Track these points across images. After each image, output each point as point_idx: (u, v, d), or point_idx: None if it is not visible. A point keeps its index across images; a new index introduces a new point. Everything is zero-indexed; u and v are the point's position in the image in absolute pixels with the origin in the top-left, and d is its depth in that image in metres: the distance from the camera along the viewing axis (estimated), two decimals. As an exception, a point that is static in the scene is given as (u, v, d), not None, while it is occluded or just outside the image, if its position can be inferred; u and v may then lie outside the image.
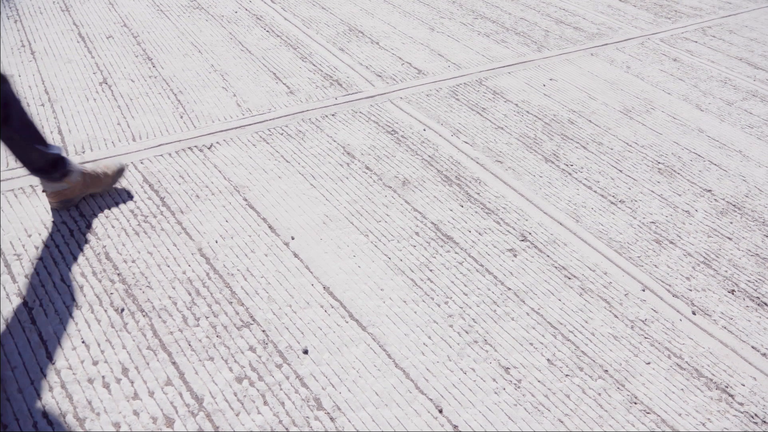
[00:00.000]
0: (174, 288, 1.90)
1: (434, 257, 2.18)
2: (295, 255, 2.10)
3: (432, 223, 2.35)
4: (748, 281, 2.27)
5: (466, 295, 2.03)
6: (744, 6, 5.12)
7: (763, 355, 1.97)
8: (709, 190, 2.77)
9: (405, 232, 2.28)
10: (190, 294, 1.89)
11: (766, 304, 2.18)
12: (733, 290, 2.22)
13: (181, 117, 2.80)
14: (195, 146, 2.61)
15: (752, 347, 1.99)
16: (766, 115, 3.46)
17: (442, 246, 2.24)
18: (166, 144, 2.60)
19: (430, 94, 3.30)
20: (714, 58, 4.11)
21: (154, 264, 1.98)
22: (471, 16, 4.39)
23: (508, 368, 1.79)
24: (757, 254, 2.41)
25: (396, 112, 3.09)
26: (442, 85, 3.41)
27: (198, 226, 2.17)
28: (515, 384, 1.75)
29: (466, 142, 2.91)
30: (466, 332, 1.89)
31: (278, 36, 3.70)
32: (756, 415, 1.76)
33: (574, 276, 2.18)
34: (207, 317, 1.82)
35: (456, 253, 2.21)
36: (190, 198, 2.30)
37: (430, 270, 2.12)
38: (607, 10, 4.76)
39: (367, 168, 2.63)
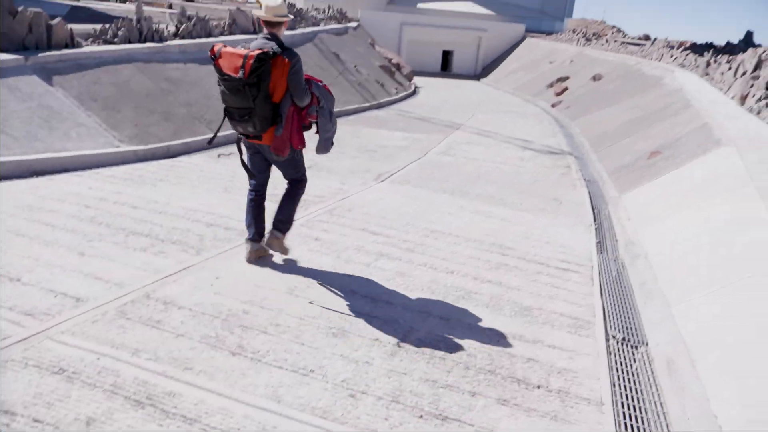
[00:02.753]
0: None
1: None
2: None
3: (132, 456, 2.13)
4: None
5: None
6: (353, 191, 6.45)
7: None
8: (377, 339, 3.26)
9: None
10: None
11: None
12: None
13: None
14: None
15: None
16: (396, 269, 4.32)
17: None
18: None
19: (96, 320, 3.10)
20: (344, 231, 5.00)
21: None
22: (122, 234, 4.38)
23: None
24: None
25: (60, 348, 2.79)
26: (108, 307, 3.25)
27: None
28: None
29: (149, 359, 2.79)
30: None
31: None
32: None
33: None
34: None
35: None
36: None
37: None
38: (250, 209, 5.37)
39: (36, 420, 2.26)
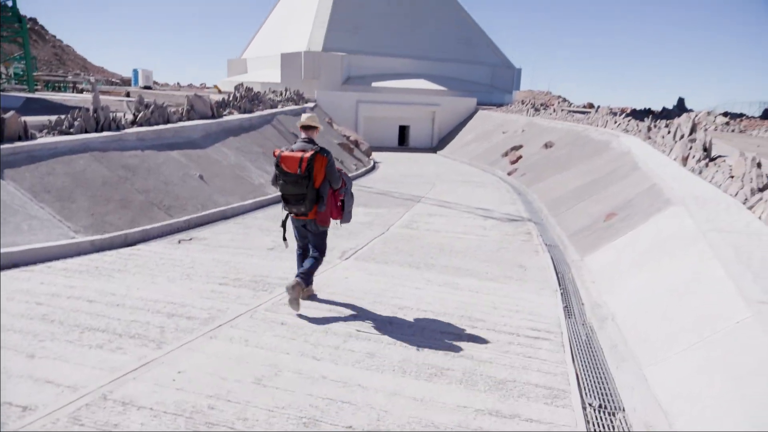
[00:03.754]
0: None
1: None
2: None
3: None
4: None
5: None
6: (318, 270, 6.37)
7: None
8: (350, 426, 3.11)
9: None
10: None
11: None
12: None
13: None
14: None
15: None
16: (366, 350, 4.21)
17: None
18: None
19: (45, 430, 2.87)
20: (310, 313, 4.88)
21: None
22: (76, 331, 4.17)
23: None
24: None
25: (4, 465, 2.55)
26: (59, 414, 3.03)
27: None
28: None
29: (104, 470, 2.57)
30: None
31: None
32: None
33: None
34: None
35: None
36: None
37: None
38: (212, 295, 5.22)
39: None
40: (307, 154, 4.58)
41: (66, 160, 7.96)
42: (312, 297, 5.32)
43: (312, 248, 5.13)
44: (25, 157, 7.49)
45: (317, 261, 5.12)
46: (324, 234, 5.09)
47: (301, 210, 4.73)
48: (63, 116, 9.14)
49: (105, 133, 9.20)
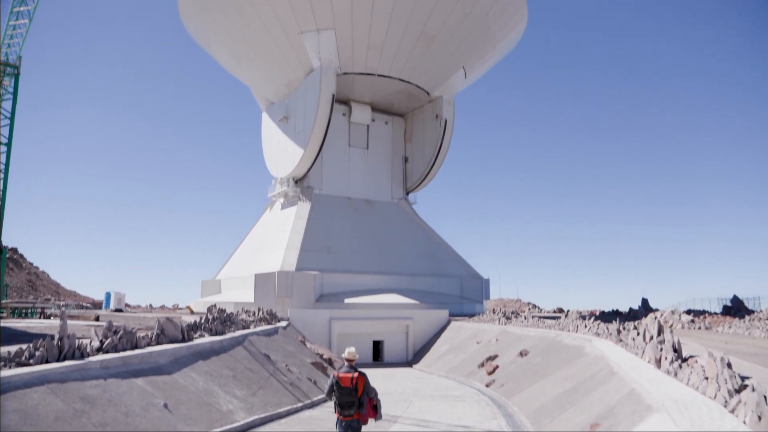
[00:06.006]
0: None
1: None
2: None
3: None
4: None
5: None
6: None
7: None
8: None
9: None
10: None
11: None
12: None
13: None
14: None
15: None
16: None
17: None
18: None
19: None
20: None
21: None
22: None
23: None
24: None
25: None
26: None
27: None
28: None
29: None
30: None
31: None
32: None
33: None
34: None
35: None
36: None
37: None
38: None
39: None
40: (355, 375, 6.90)
41: (19, 395, 7.51)
42: None
43: None
44: (-25, 394, 7.04)
45: None
46: (360, 429, 7.06)
47: (350, 412, 6.87)
48: (24, 346, 8.87)
49: (67, 363, 8.87)
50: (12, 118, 31.23)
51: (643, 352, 10.92)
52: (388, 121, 43.46)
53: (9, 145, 30.66)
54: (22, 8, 31.64)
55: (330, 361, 20.66)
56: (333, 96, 35.25)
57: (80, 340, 9.95)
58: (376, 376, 22.72)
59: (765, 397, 5.72)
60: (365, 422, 7.01)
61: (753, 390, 5.86)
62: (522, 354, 18.16)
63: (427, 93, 40.82)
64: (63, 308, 34.23)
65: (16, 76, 31.66)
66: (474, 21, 35.97)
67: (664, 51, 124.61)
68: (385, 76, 37.82)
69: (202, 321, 16.03)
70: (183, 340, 12.99)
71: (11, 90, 31.61)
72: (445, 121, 40.72)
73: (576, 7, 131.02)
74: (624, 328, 14.99)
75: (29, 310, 38.40)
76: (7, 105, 31.38)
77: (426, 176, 42.15)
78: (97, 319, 26.81)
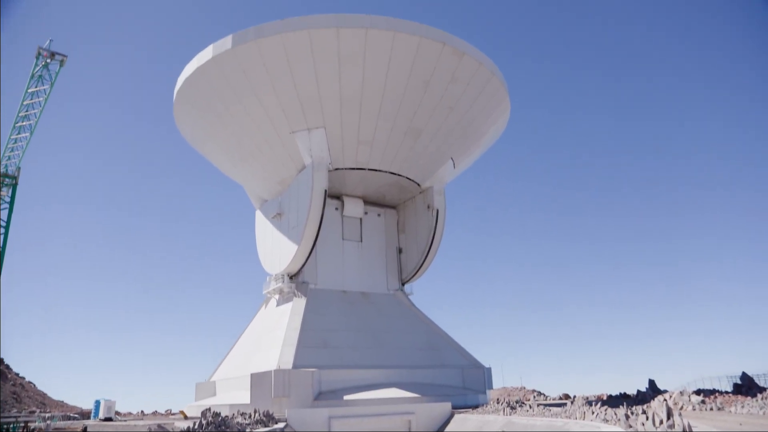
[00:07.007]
0: None
1: None
2: None
3: None
4: None
5: None
6: None
7: None
8: None
9: None
10: None
11: None
12: None
13: None
14: None
15: None
16: None
17: None
18: None
19: None
20: None
21: None
22: None
23: None
24: None
25: None
26: None
27: None
28: None
29: None
30: None
31: None
32: None
33: None
34: None
35: None
36: None
37: None
38: None
39: None
40: None
41: None
42: None
43: None
44: None
45: None
46: None
47: None
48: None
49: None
50: (7, 227, 31.59)
51: (654, 436, 10.55)
52: (381, 213, 44.15)
53: (2, 253, 30.79)
54: (24, 123, 32.96)
55: (330, 464, 19.64)
56: (325, 191, 36.03)
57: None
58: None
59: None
60: None
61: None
62: (530, 446, 17.39)
63: (418, 184, 41.81)
64: (48, 421, 32.76)
65: (14, 186, 32.38)
66: (459, 114, 37.60)
67: (651, 129, 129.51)
68: (375, 170, 38.93)
69: (196, 427, 15.42)
70: (176, 448, 12.41)
71: (8, 199, 32.21)
72: (437, 211, 41.39)
73: (560, 91, 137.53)
74: (632, 413, 14.53)
75: (11, 426, 36.68)
76: (3, 214, 31.84)
77: (421, 266, 42.21)
78: (84, 430, 25.66)
